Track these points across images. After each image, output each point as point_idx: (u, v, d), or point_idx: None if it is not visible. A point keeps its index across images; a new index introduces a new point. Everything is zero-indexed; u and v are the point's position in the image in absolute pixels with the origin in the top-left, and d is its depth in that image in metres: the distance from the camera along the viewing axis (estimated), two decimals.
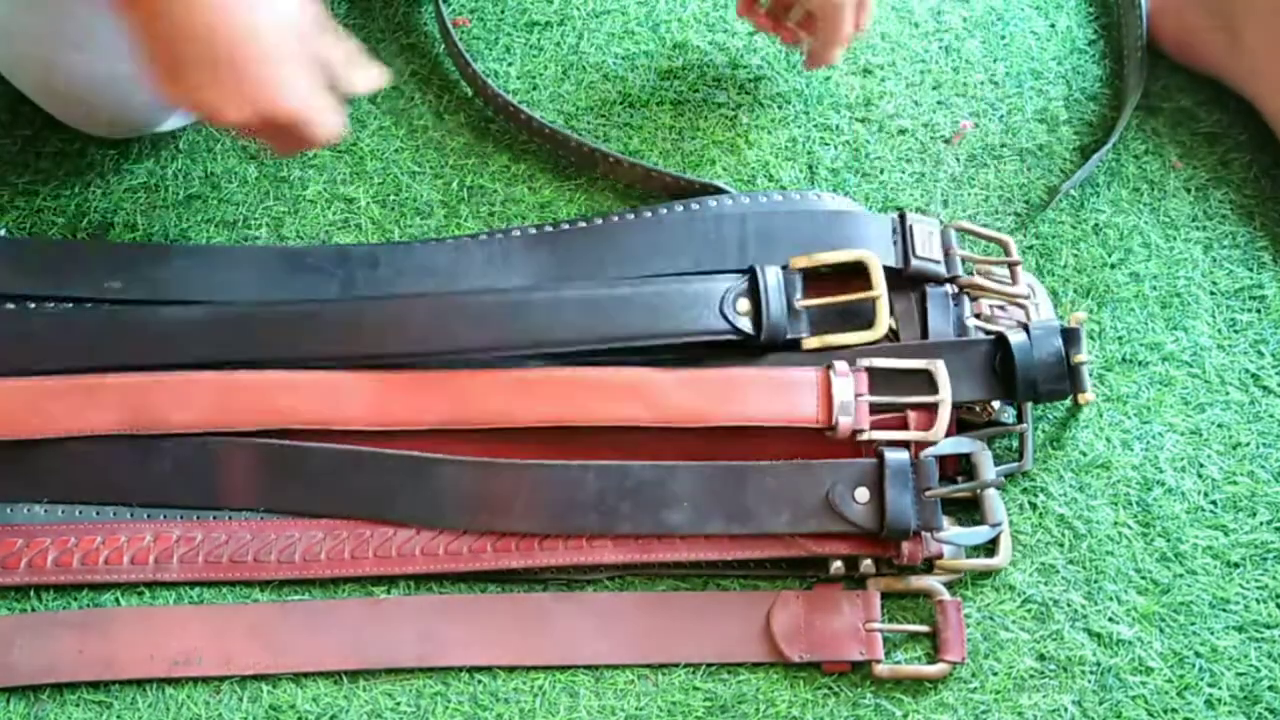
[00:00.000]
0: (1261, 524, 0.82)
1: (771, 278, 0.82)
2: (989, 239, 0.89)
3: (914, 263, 0.85)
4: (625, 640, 0.78)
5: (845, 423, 0.79)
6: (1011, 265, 0.87)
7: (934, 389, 0.80)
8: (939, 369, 0.80)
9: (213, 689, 0.77)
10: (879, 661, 0.77)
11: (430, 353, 0.82)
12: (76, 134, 0.94)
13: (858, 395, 0.79)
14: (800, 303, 0.83)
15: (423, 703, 0.77)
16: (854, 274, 0.84)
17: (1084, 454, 0.84)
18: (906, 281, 0.86)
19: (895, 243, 0.86)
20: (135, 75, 0.84)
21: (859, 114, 0.97)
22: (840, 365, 0.80)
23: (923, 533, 0.78)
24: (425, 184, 0.94)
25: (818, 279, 0.84)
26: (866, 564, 0.78)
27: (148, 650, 0.77)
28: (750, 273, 0.83)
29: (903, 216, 0.87)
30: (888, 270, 0.84)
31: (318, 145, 0.73)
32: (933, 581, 0.79)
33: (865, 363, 0.80)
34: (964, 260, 0.87)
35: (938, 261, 0.86)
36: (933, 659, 0.78)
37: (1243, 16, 0.93)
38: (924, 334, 0.84)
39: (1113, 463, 0.84)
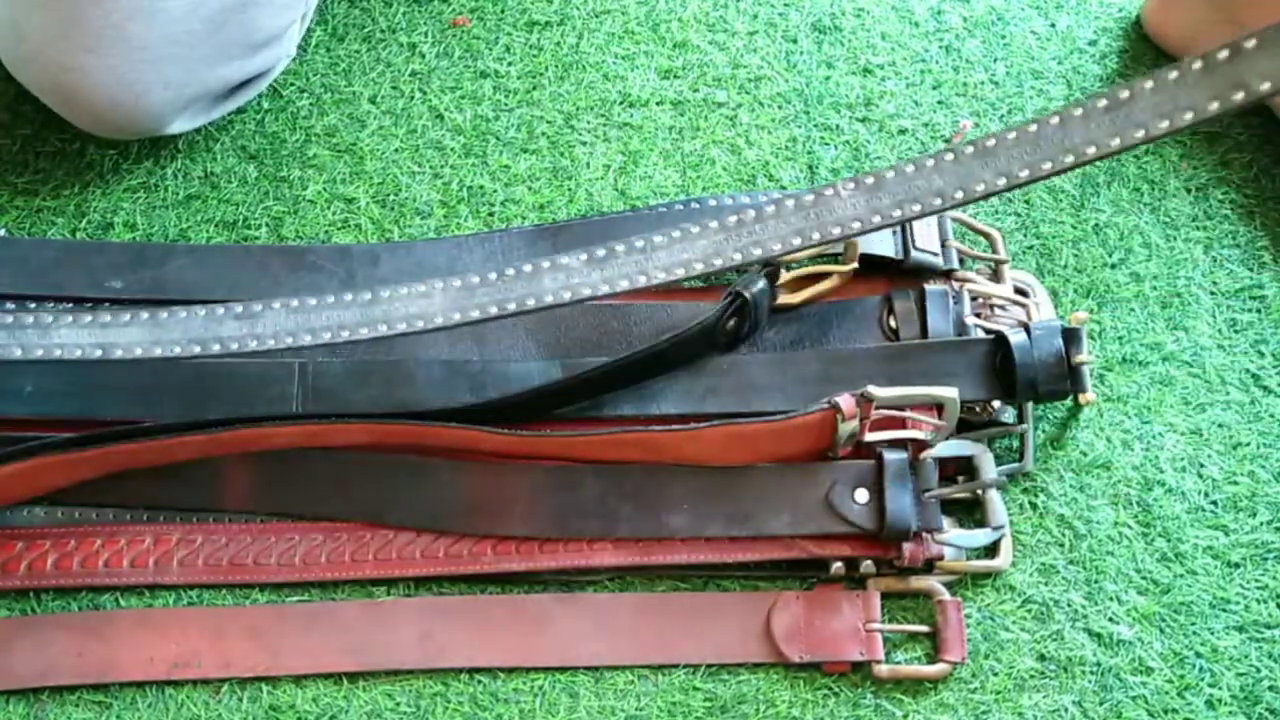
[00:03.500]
0: (1262, 524, 0.82)
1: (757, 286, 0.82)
2: (980, 232, 0.89)
3: (914, 254, 0.85)
4: (625, 641, 0.78)
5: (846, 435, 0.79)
6: (998, 263, 0.87)
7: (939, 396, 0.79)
8: (950, 401, 0.77)
9: (212, 689, 0.77)
10: (879, 662, 0.77)
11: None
12: (76, 134, 0.94)
13: (862, 419, 0.78)
14: (782, 299, 0.84)
15: (423, 703, 0.77)
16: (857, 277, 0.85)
17: (1084, 454, 0.84)
18: (905, 275, 0.86)
19: (895, 233, 0.86)
20: (145, 79, 0.84)
21: (859, 114, 0.97)
22: (847, 406, 0.76)
23: (923, 534, 0.78)
24: (425, 184, 0.94)
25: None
26: (867, 565, 0.78)
27: (147, 652, 0.77)
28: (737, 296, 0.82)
29: None
30: (887, 262, 0.85)
31: None
32: (933, 582, 0.79)
33: (874, 395, 0.76)
34: (959, 255, 0.87)
35: (936, 254, 0.86)
36: (933, 659, 0.78)
37: (1247, 7, 0.92)
38: (924, 333, 0.84)
39: (1113, 463, 0.83)
